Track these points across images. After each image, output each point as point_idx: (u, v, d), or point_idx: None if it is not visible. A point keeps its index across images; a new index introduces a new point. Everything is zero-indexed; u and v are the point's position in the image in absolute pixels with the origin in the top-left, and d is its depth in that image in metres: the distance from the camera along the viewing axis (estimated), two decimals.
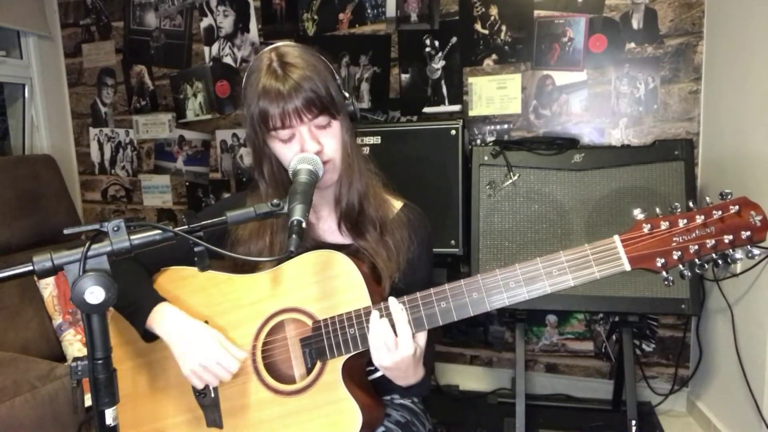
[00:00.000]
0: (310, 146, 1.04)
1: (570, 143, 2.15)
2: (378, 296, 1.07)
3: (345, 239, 1.18)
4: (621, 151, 2.13)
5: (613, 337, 2.50)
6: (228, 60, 2.89)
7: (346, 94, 1.11)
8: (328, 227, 1.20)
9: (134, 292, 1.13)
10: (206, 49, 2.91)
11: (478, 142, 2.56)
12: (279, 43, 1.09)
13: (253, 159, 1.15)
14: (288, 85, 1.02)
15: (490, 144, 2.24)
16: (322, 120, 1.06)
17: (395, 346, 0.98)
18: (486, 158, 2.12)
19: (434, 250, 1.28)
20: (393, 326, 0.99)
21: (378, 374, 1.21)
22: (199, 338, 1.06)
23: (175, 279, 1.18)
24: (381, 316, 1.01)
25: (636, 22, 2.33)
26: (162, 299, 1.12)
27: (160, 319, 1.09)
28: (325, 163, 1.07)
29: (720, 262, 0.93)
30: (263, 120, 1.04)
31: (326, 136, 1.07)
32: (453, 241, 2.17)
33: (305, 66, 1.04)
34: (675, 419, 2.38)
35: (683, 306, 1.94)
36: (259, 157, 1.13)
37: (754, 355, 1.91)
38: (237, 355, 1.07)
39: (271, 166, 1.13)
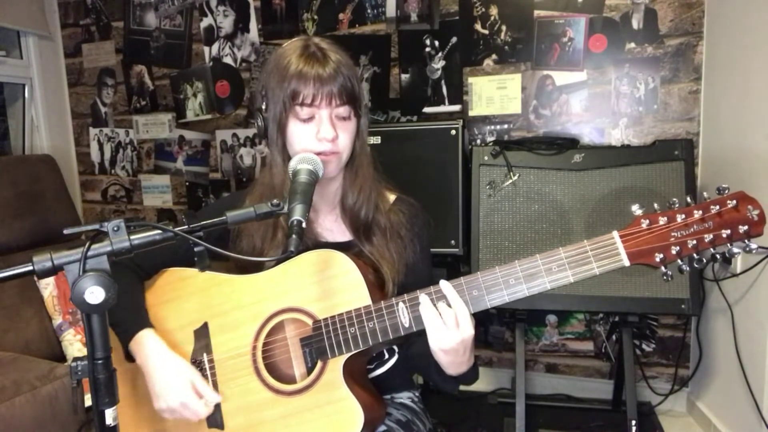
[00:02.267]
0: (327, 130, 1.05)
1: (570, 143, 2.15)
2: (379, 298, 1.06)
3: (344, 237, 1.18)
4: (621, 151, 2.12)
5: (613, 337, 2.50)
6: (228, 60, 2.89)
7: (367, 104, 1.12)
8: (327, 225, 1.20)
9: (122, 310, 1.11)
10: (206, 49, 2.91)
11: (478, 142, 2.56)
12: (310, 36, 1.12)
13: (273, 137, 1.12)
14: (329, 68, 1.05)
15: (490, 144, 2.24)
16: (345, 111, 1.08)
17: (456, 325, 0.96)
18: (486, 158, 2.12)
19: (434, 250, 1.28)
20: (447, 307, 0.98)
21: (378, 372, 1.21)
22: (173, 380, 1.06)
23: (174, 280, 1.18)
24: (432, 300, 0.99)
25: (636, 22, 2.33)
26: (146, 325, 1.11)
27: (138, 348, 1.09)
28: (332, 153, 1.07)
29: (718, 257, 0.93)
30: (294, 95, 1.05)
31: (343, 128, 1.09)
32: (453, 241, 2.17)
33: (342, 57, 1.08)
34: (675, 419, 2.38)
35: (683, 306, 1.94)
36: (279, 132, 1.11)
37: (754, 355, 1.91)
38: (210, 398, 1.07)
39: (283, 148, 1.12)
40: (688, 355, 2.44)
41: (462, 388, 1.07)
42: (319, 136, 1.06)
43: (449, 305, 0.98)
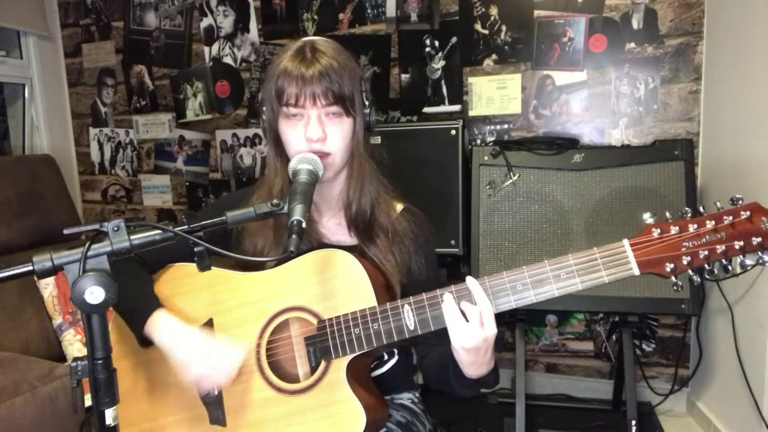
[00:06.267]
0: (314, 130, 1.05)
1: (570, 143, 2.15)
2: (384, 299, 1.06)
3: (349, 239, 1.18)
4: (621, 151, 2.12)
5: (613, 337, 2.50)
6: (228, 60, 2.89)
7: (367, 102, 1.11)
8: (332, 227, 1.20)
9: (132, 296, 1.12)
10: (206, 49, 2.91)
11: (478, 142, 2.56)
12: (314, 38, 1.11)
13: (269, 139, 1.15)
14: (313, 69, 1.03)
15: (490, 144, 2.24)
16: (334, 110, 1.06)
17: (480, 323, 0.95)
18: (486, 158, 2.12)
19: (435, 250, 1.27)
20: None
21: (377, 372, 1.22)
22: (195, 348, 1.05)
23: (179, 276, 1.18)
24: (454, 297, 0.98)
25: (636, 22, 2.33)
26: (159, 305, 1.11)
27: (155, 328, 1.08)
28: (326, 155, 1.07)
29: (730, 268, 0.91)
30: (278, 95, 1.06)
31: (334, 128, 1.07)
32: (453, 241, 2.17)
33: (334, 56, 1.06)
34: (675, 419, 2.38)
35: (683, 306, 1.94)
36: (272, 134, 1.13)
37: (754, 355, 1.91)
38: (236, 353, 1.06)
39: (277, 149, 1.14)
40: (688, 355, 2.44)
41: None
42: (306, 136, 1.05)
43: (473, 303, 0.96)
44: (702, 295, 2.20)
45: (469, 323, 0.95)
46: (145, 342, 1.12)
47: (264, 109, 1.12)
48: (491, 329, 0.95)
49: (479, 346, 0.96)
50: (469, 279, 0.98)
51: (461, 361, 1.00)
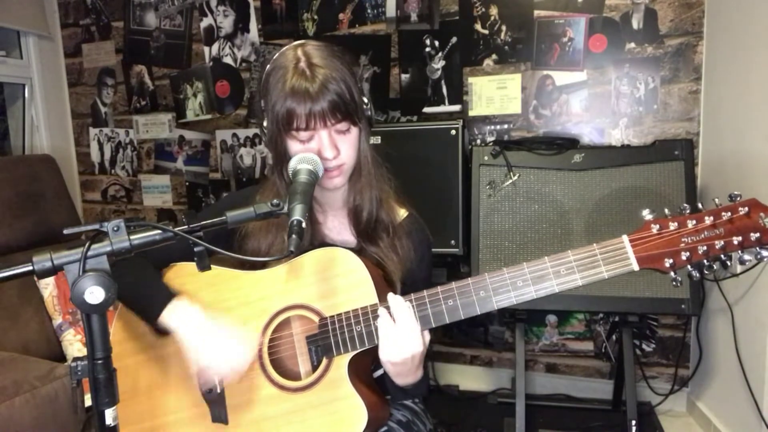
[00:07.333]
0: (328, 152, 1.05)
1: (570, 143, 2.15)
2: (386, 296, 1.06)
3: (351, 238, 1.19)
4: (621, 151, 2.13)
5: (613, 337, 2.50)
6: (228, 60, 2.89)
7: (366, 99, 1.12)
8: (336, 226, 1.21)
9: (147, 286, 1.12)
10: (206, 49, 2.91)
11: (478, 142, 2.56)
12: (304, 41, 1.10)
13: (273, 155, 1.15)
14: (316, 86, 1.02)
15: (490, 144, 2.24)
16: (342, 126, 1.07)
17: (406, 339, 0.99)
18: (486, 158, 2.12)
19: (434, 250, 1.29)
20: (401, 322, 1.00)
21: (379, 372, 1.22)
22: (212, 336, 1.05)
23: (182, 275, 1.19)
24: (389, 313, 1.01)
25: (636, 22, 2.33)
26: (174, 294, 1.11)
27: (175, 314, 1.08)
28: (338, 167, 1.08)
29: (728, 264, 0.92)
30: (288, 119, 1.05)
31: (344, 142, 1.08)
32: (453, 241, 2.17)
33: (332, 68, 1.05)
34: (675, 419, 2.38)
35: (683, 306, 1.94)
36: (277, 154, 1.13)
37: (754, 355, 1.91)
38: (250, 348, 1.07)
39: (280, 154, 1.13)
40: (688, 355, 2.44)
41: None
42: (322, 157, 1.05)
43: (405, 320, 1.00)
44: (702, 295, 2.20)
45: (396, 340, 0.99)
46: (160, 331, 1.12)
47: (265, 124, 1.11)
48: (417, 347, 1.00)
49: (404, 361, 1.00)
50: (392, 297, 1.01)
51: (388, 370, 1.05)
